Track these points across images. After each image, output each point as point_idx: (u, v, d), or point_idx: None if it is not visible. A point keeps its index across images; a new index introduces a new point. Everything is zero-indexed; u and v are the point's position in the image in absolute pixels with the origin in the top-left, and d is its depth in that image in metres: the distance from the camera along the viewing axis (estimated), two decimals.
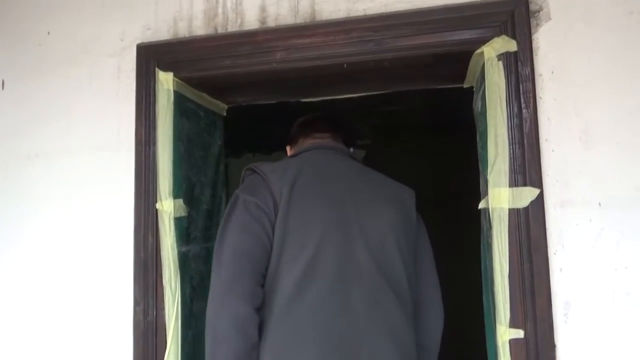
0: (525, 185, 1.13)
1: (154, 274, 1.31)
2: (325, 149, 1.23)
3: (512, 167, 1.15)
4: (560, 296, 1.11)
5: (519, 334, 1.11)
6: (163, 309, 1.30)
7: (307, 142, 1.26)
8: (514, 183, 1.15)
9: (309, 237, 1.06)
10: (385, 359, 1.05)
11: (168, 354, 1.27)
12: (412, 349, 1.11)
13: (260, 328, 1.03)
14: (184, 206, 1.38)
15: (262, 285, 1.05)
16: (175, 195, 1.34)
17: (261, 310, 1.04)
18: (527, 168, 1.14)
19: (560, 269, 1.12)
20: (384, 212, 1.13)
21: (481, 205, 1.25)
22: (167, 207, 1.32)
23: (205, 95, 1.53)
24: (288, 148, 1.34)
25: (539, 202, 1.13)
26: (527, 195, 1.13)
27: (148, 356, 1.29)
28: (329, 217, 1.09)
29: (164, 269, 1.30)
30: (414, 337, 1.13)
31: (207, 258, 1.44)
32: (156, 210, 1.33)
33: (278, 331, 1.03)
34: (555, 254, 1.13)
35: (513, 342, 1.11)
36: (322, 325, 1.03)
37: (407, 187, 1.23)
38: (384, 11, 1.26)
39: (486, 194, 1.19)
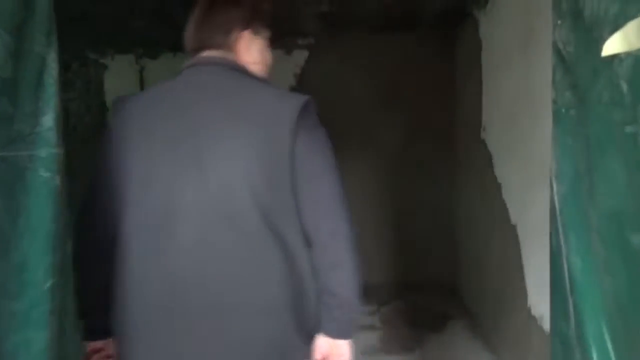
0: None
1: None
2: (201, 66, 1.13)
3: None
4: None
5: None
6: None
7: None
8: None
9: (138, 179, 1.05)
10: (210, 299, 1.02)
11: None
12: (259, 294, 1.02)
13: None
14: None
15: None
16: None
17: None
18: None
19: None
20: (239, 144, 1.01)
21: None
22: None
23: None
24: None
25: None
26: None
27: None
28: (161, 156, 1.04)
29: None
30: (282, 282, 1.03)
31: None
32: None
33: (116, 276, 1.08)
34: None
35: None
36: (142, 272, 1.05)
37: (293, 100, 1.07)
38: None
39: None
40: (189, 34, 1.20)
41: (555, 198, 0.94)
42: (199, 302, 1.02)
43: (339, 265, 1.06)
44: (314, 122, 1.12)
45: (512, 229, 2.51)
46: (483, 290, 3.14)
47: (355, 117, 4.09)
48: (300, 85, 4.14)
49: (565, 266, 0.88)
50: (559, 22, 0.96)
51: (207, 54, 1.16)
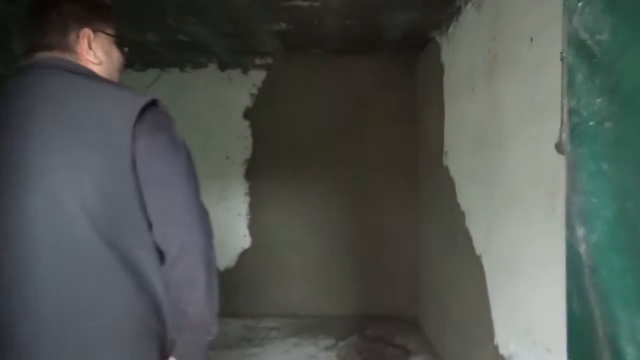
0: None
1: None
2: (33, 69, 0.99)
3: None
4: None
5: None
6: None
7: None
8: None
9: None
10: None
11: None
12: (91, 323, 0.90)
13: None
14: None
15: None
16: None
17: None
18: None
19: None
20: (69, 155, 0.91)
21: None
22: None
23: None
24: None
25: None
26: None
27: None
28: None
29: None
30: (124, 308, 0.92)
31: None
32: None
33: None
34: None
35: None
36: None
37: (132, 102, 0.96)
38: None
39: None
40: (20, 34, 1.05)
41: (582, 249, 0.71)
42: (26, 339, 0.90)
43: (190, 281, 0.95)
44: (159, 125, 0.99)
45: (477, 260, 2.39)
46: (446, 324, 2.99)
47: (314, 140, 3.94)
48: (257, 105, 3.96)
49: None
50: (580, 3, 0.74)
51: (41, 55, 1.02)
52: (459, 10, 2.70)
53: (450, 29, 2.90)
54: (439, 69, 3.13)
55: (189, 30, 2.95)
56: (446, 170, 2.96)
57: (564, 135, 1.40)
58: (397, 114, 3.93)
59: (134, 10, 2.55)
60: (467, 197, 2.59)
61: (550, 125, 1.56)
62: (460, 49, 2.74)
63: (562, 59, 0.84)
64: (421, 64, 3.74)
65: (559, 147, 1.48)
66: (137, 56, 3.65)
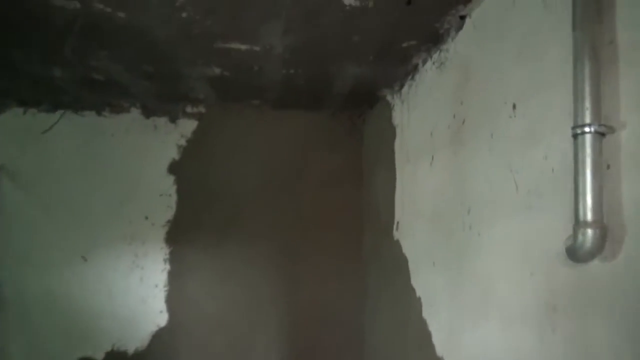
0: None
1: None
2: None
3: None
4: None
5: None
6: None
7: None
8: None
9: None
10: None
11: None
12: None
13: None
14: None
15: None
16: None
17: None
18: None
19: None
20: None
21: None
22: None
23: None
24: None
25: None
26: None
27: None
28: None
29: None
30: None
31: None
32: None
33: None
34: None
35: None
36: None
37: None
38: None
39: None
40: None
41: None
42: None
43: None
44: None
45: None
46: None
47: (247, 201, 3.47)
48: (185, 159, 3.47)
49: None
50: None
51: None
52: (415, 68, 2.43)
53: (405, 88, 2.62)
54: (391, 131, 2.83)
55: (100, 67, 2.48)
56: (397, 245, 2.59)
57: (587, 240, 1.04)
58: (340, 176, 3.57)
59: (23, 34, 2.05)
60: (425, 282, 2.20)
61: (548, 220, 1.21)
62: (416, 111, 2.44)
63: None
64: (369, 123, 3.45)
65: (573, 253, 1.13)
66: (44, 94, 3.09)
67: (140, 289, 3.41)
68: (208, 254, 3.45)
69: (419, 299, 2.23)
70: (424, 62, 2.29)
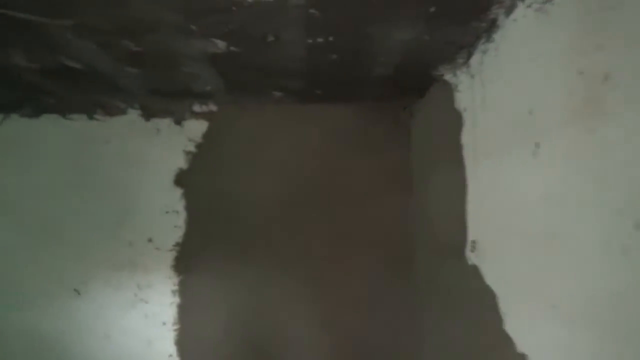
0: None
1: None
2: None
3: None
4: None
5: None
6: None
7: None
8: None
9: None
10: None
11: None
12: None
13: None
14: None
15: None
16: None
17: None
18: None
19: None
20: None
21: None
22: None
23: None
24: None
25: None
26: None
27: None
28: None
29: None
30: None
31: None
32: None
33: None
34: None
35: None
36: None
37: None
38: None
39: None
40: None
41: None
42: None
43: None
44: None
45: None
46: None
47: (270, 220, 2.81)
48: (194, 168, 2.85)
49: None
50: None
51: None
52: (493, 24, 1.73)
53: (476, 57, 1.92)
54: (454, 120, 2.12)
55: (69, 48, 1.88)
56: (475, 272, 1.87)
57: None
58: (383, 183, 2.87)
59: None
60: (536, 333, 1.46)
61: None
62: (497, 85, 1.74)
63: None
64: (420, 115, 2.75)
65: None
66: (20, 94, 2.54)
67: (145, 328, 2.80)
68: (224, 284, 2.80)
69: (523, 356, 1.50)
70: (510, 10, 1.59)
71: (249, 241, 2.80)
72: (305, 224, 2.82)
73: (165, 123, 2.85)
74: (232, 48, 1.89)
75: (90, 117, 2.83)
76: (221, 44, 1.85)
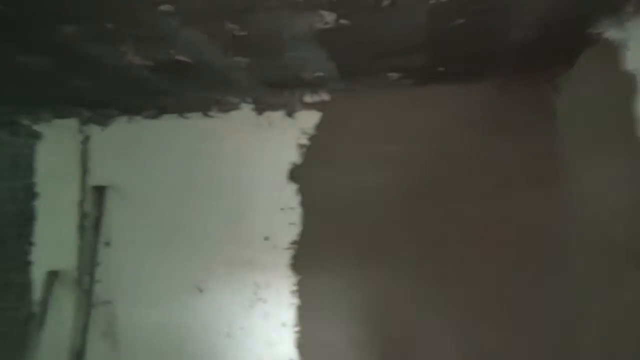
0: None
1: None
2: None
3: None
4: None
5: None
6: None
7: None
8: None
9: None
10: None
11: None
12: None
13: None
14: None
15: None
16: None
17: None
18: None
19: None
20: None
21: None
22: None
23: None
24: None
25: None
26: None
27: None
28: None
29: None
30: None
31: None
32: None
33: None
34: None
35: None
36: None
37: None
38: None
39: None
40: None
41: None
42: None
43: None
44: None
45: None
46: None
47: (391, 216, 2.55)
48: (309, 162, 2.70)
49: None
50: None
51: None
52: None
53: None
54: (622, 87, 1.67)
55: (177, 39, 1.81)
56: None
57: None
58: (524, 173, 2.44)
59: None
60: None
61: None
62: None
63: None
64: (568, 89, 2.28)
65: None
66: (142, 96, 2.60)
67: (265, 329, 2.71)
68: (344, 284, 2.61)
69: None
70: None
71: (369, 239, 2.58)
72: (430, 221, 2.51)
73: (277, 116, 2.73)
74: (341, 21, 1.67)
75: (206, 115, 2.82)
76: (329, 17, 1.64)
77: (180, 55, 1.98)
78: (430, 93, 2.54)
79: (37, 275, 2.96)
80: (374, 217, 2.57)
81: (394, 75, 2.34)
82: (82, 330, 2.69)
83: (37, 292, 2.93)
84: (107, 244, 2.89)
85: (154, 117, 2.87)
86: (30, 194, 3.00)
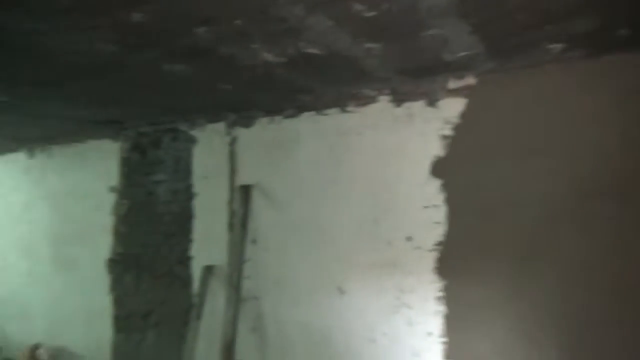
0: None
1: None
2: None
3: None
4: None
5: None
6: None
7: None
8: None
9: None
10: None
11: None
12: None
13: None
14: None
15: None
16: None
17: None
18: None
19: None
20: None
21: None
22: None
23: None
24: None
25: None
26: None
27: None
28: None
29: None
30: None
31: None
32: None
33: None
34: None
35: None
36: None
37: None
38: None
39: None
40: None
41: None
42: None
43: None
44: None
45: None
46: None
47: (553, 215, 2.15)
48: (453, 155, 2.42)
49: None
50: None
51: None
52: None
53: None
54: None
55: (309, 31, 1.72)
56: None
57: None
58: None
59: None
60: None
61: None
62: None
63: None
64: None
65: None
66: (279, 95, 2.62)
67: (410, 337, 2.52)
68: (500, 292, 2.29)
69: None
70: None
71: (528, 241, 2.21)
72: (601, 220, 2.06)
73: (417, 106, 2.51)
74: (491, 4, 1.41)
75: (343, 110, 2.73)
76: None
77: (309, 48, 1.91)
78: (608, 66, 2.08)
79: (196, 269, 3.19)
80: (535, 216, 2.20)
81: (557, 46, 1.95)
82: (232, 324, 2.81)
83: (196, 285, 3.16)
84: (254, 241, 2.98)
85: (294, 115, 2.87)
86: (190, 194, 3.25)
